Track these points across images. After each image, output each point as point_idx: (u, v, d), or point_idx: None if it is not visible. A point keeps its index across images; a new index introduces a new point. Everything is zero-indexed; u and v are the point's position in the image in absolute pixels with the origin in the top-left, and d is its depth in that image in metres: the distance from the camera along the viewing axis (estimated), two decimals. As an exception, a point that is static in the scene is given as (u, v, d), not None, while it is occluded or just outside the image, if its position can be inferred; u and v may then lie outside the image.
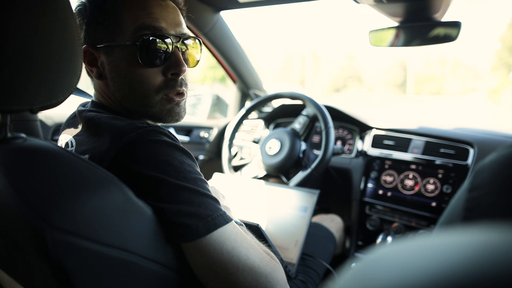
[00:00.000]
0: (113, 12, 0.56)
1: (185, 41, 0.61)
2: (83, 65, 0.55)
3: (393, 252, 0.20)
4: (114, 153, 0.49)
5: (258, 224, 0.73)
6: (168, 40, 0.58)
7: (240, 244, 0.51)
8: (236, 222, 0.68)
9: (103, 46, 0.58)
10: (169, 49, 0.58)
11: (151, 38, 0.56)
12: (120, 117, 0.57)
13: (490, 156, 0.33)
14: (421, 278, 0.16)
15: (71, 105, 0.71)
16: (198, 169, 0.54)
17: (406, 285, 0.16)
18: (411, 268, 0.17)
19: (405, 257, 0.18)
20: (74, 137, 0.60)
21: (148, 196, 0.48)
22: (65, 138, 0.62)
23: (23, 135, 0.46)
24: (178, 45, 0.59)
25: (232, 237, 0.50)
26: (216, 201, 0.52)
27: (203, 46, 0.75)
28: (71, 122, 0.65)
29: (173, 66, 0.59)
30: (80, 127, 0.61)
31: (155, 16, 0.57)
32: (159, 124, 0.63)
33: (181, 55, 0.59)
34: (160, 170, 0.48)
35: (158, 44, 0.57)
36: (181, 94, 0.61)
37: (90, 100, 0.67)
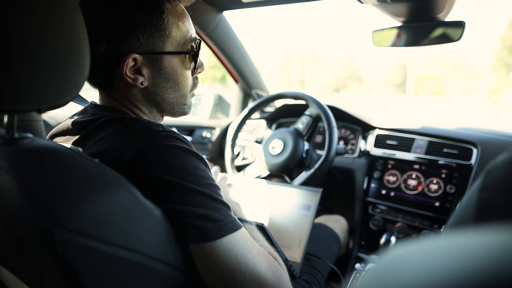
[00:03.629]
0: (166, 22, 0.59)
1: None
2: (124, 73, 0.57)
3: (412, 252, 0.19)
4: (129, 157, 0.49)
5: (263, 224, 0.73)
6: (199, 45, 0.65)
7: (249, 251, 0.51)
8: (246, 221, 0.67)
9: (153, 54, 0.58)
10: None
11: (199, 48, 0.64)
12: (134, 117, 0.57)
13: (501, 156, 0.33)
14: (440, 279, 0.15)
15: (75, 105, 0.70)
16: (211, 175, 0.54)
17: (425, 286, 0.16)
18: (430, 269, 0.17)
19: (425, 257, 0.18)
20: (75, 144, 0.59)
21: (161, 199, 0.48)
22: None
23: (30, 135, 0.46)
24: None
25: (242, 244, 0.50)
26: (228, 207, 0.52)
27: (205, 45, 0.83)
28: (61, 131, 0.64)
29: (200, 66, 0.67)
30: (75, 136, 0.60)
31: (192, 26, 0.65)
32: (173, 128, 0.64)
33: None
34: (175, 175, 0.48)
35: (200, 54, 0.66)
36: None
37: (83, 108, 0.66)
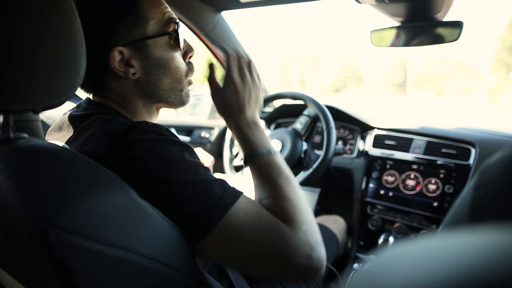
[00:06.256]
0: (142, 8, 0.58)
1: None
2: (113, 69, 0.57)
3: (403, 253, 0.19)
4: (112, 156, 0.48)
5: None
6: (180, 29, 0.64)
7: (250, 217, 0.50)
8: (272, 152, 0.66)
9: (137, 42, 0.58)
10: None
11: (178, 27, 0.62)
12: (117, 118, 0.57)
13: (496, 155, 0.33)
14: (431, 279, 0.15)
15: (71, 106, 0.70)
16: (199, 160, 0.53)
17: (415, 286, 0.16)
18: (422, 270, 0.17)
19: (415, 258, 0.18)
20: (66, 142, 0.59)
21: (155, 198, 0.47)
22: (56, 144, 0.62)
23: (25, 135, 0.46)
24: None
25: (242, 213, 0.49)
26: (221, 181, 0.51)
27: (204, 45, 0.81)
28: (57, 126, 0.64)
29: (189, 49, 0.66)
30: (70, 131, 0.60)
31: (169, 8, 0.63)
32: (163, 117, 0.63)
33: None
34: (161, 168, 0.48)
35: (181, 33, 0.63)
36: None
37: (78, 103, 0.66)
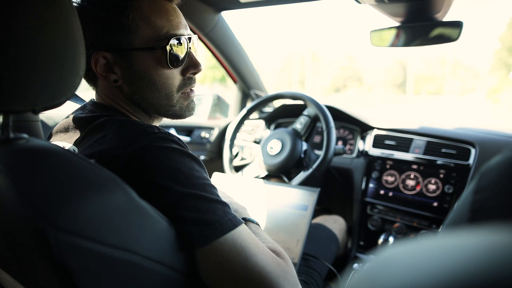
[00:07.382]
0: (132, 18, 0.57)
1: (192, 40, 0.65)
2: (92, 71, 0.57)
3: (403, 253, 0.19)
4: (124, 159, 0.49)
5: (257, 223, 0.73)
6: (185, 43, 0.62)
7: (249, 247, 0.50)
8: (252, 221, 0.65)
9: (121, 51, 0.58)
10: (186, 51, 0.62)
11: (176, 43, 0.60)
12: (130, 119, 0.57)
13: (495, 158, 0.33)
14: (431, 280, 0.15)
15: (71, 106, 0.71)
16: (207, 175, 0.54)
17: (414, 286, 0.16)
18: (421, 269, 0.17)
19: (414, 258, 0.18)
20: (74, 144, 0.59)
21: (157, 203, 0.48)
22: (61, 145, 0.61)
23: (25, 135, 0.46)
24: (190, 45, 0.63)
25: (239, 242, 0.49)
26: (225, 205, 0.51)
27: (203, 45, 0.80)
28: (63, 127, 0.64)
29: (193, 66, 0.64)
30: (77, 132, 0.61)
31: (175, 23, 0.60)
32: (173, 124, 0.63)
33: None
34: (169, 177, 0.48)
35: (181, 48, 0.61)
36: (193, 91, 0.67)
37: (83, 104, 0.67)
